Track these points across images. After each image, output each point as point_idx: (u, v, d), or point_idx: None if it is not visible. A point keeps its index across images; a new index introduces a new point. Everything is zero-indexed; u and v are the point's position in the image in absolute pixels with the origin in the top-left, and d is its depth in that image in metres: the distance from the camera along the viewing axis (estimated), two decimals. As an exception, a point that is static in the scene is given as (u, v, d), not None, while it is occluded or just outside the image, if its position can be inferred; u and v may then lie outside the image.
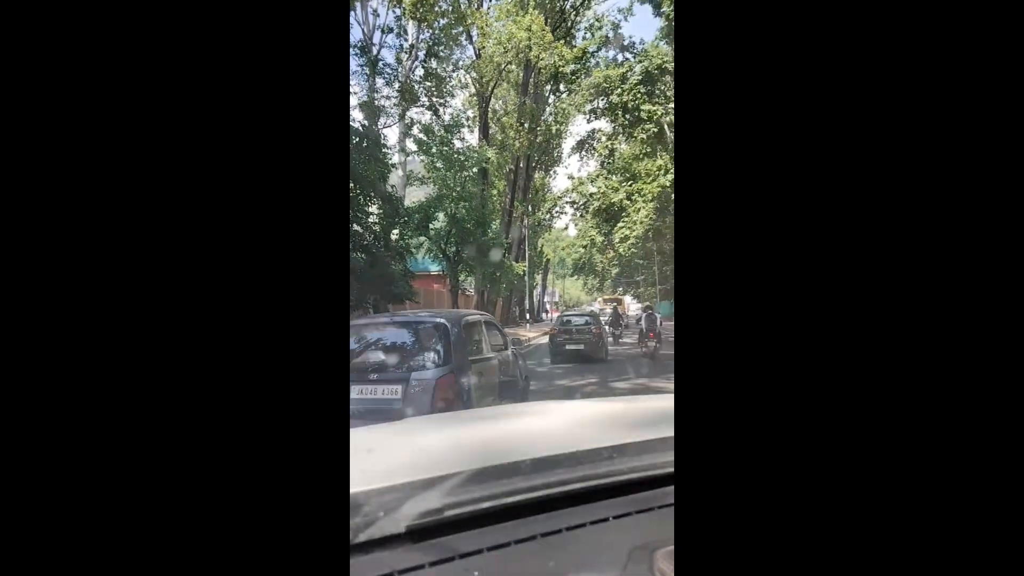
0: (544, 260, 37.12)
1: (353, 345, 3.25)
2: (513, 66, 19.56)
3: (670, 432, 0.60)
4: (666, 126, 19.15)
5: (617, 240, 18.75)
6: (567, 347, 10.49)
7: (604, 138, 20.56)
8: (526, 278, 31.53)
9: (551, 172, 35.42)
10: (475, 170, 14.76)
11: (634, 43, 21.81)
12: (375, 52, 15.94)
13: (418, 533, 0.61)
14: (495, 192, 30.51)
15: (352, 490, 0.58)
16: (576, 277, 53.82)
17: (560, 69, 19.93)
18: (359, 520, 0.59)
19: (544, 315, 38.76)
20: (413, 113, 16.99)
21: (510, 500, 0.67)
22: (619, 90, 19.05)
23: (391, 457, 0.91)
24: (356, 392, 2.97)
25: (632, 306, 32.66)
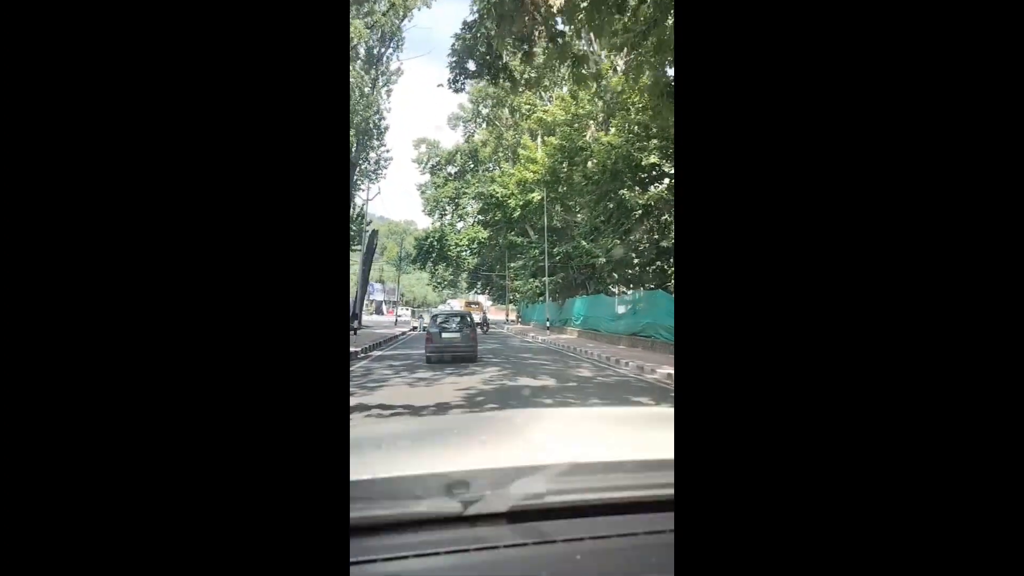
0: (365, 226, 22.62)
1: (440, 318, 11.05)
2: None
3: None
4: None
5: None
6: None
7: None
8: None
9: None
10: None
11: None
12: None
13: (519, 515, 0.63)
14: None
15: (460, 468, 0.66)
16: (421, 267, 39.97)
17: None
18: (469, 494, 0.63)
19: (357, 323, 23.83)
20: None
21: (615, 495, 0.67)
22: None
23: (500, 443, 1.00)
24: (445, 332, 10.52)
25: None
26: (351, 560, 0.54)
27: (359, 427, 1.09)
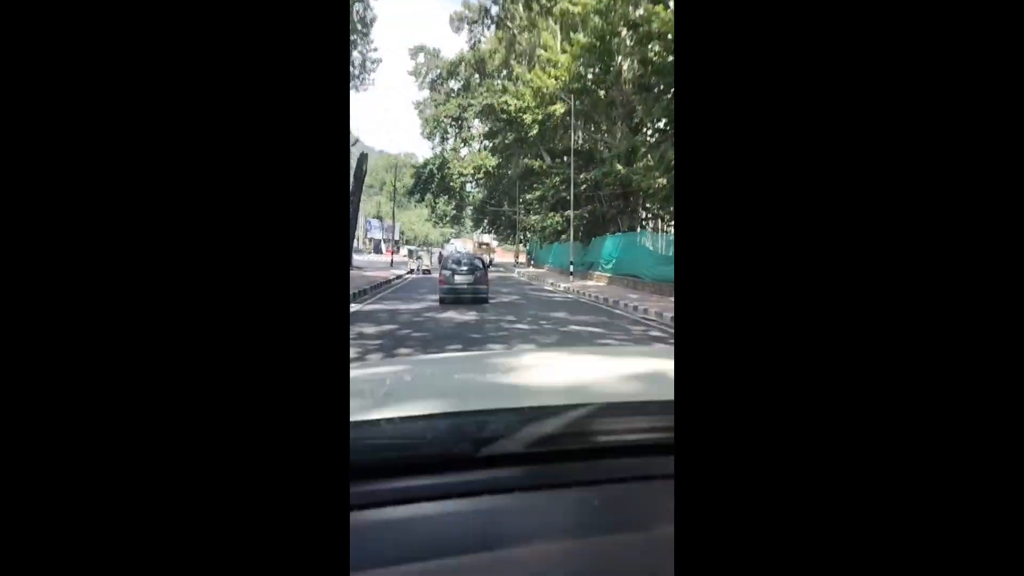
0: (351, 144, 18.66)
1: (452, 262, 11.57)
2: None
3: None
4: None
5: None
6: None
7: None
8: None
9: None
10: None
11: None
12: None
13: (534, 457, 0.62)
14: None
15: (472, 408, 0.66)
16: (419, 200, 35.81)
17: None
18: (481, 436, 0.61)
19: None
20: None
21: (631, 437, 0.66)
22: None
23: (514, 383, 0.96)
24: (456, 274, 11.02)
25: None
26: (357, 504, 0.52)
27: (363, 368, 1.02)
